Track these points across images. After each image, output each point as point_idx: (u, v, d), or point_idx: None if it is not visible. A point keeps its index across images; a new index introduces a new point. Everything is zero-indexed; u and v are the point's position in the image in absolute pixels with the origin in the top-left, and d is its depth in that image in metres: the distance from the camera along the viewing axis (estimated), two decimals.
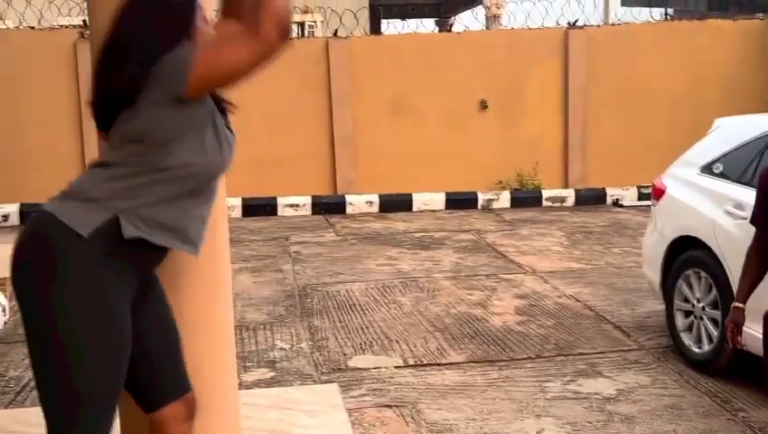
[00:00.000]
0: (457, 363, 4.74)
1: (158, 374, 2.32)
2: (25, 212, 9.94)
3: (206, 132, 2.15)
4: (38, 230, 2.09)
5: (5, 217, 9.86)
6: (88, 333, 2.05)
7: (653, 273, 5.07)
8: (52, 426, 2.10)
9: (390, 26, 13.18)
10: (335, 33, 10.92)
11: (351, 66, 10.81)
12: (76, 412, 2.07)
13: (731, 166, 4.71)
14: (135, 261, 2.15)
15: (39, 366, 2.09)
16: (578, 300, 6.06)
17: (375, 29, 15.75)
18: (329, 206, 10.53)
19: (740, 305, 3.32)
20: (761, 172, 3.40)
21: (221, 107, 2.31)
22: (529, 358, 4.81)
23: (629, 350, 4.94)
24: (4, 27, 10.60)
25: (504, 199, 10.73)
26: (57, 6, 10.41)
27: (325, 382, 4.44)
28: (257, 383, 4.47)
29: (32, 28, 10.45)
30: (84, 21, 10.13)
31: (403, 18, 16.62)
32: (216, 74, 2.04)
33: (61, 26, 10.70)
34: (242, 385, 4.20)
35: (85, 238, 2.03)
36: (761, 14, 11.56)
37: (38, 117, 10.32)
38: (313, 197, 10.58)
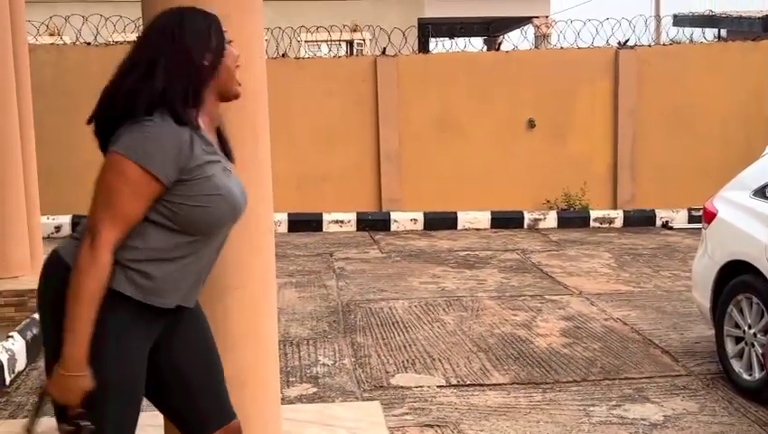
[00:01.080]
0: (501, 385, 4.69)
1: (198, 403, 2.27)
2: (77, 223, 10.17)
3: None
4: (45, 267, 2.13)
5: (58, 228, 10.09)
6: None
7: (703, 298, 4.97)
8: None
9: (439, 45, 13.21)
10: (383, 51, 10.98)
11: (399, 84, 10.85)
12: None
13: None
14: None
15: None
16: (626, 323, 5.96)
17: (423, 47, 15.82)
18: (373, 223, 10.55)
19: None
20: None
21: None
22: (575, 381, 4.74)
23: (677, 375, 4.84)
24: (62, 43, 10.88)
25: (551, 219, 10.63)
26: (113, 23, 10.66)
27: (367, 400, 4.43)
28: (300, 399, 4.48)
29: (89, 44, 10.72)
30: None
31: (452, 37, 16.66)
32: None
33: (116, 42, 10.95)
34: (285, 400, 4.22)
35: None
36: None
37: (91, 130, 10.54)
38: (358, 213, 10.61)
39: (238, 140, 2.59)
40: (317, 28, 11.40)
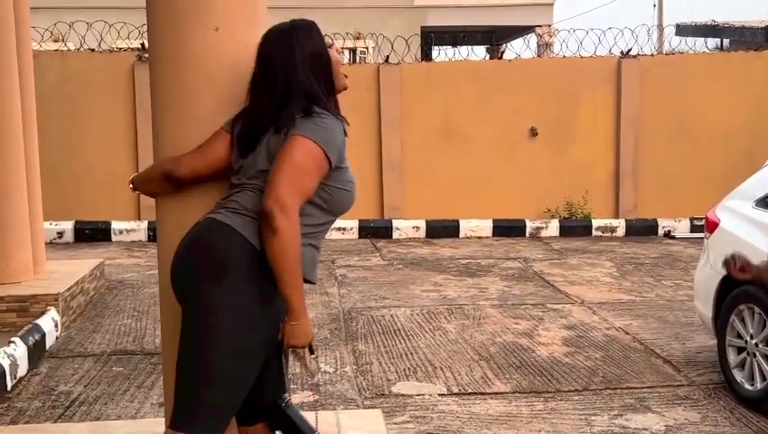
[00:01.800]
0: (502, 393, 4.69)
1: (260, 394, 2.47)
2: (80, 229, 10.17)
3: None
4: (213, 236, 2.32)
5: (60, 234, 10.09)
6: (234, 332, 2.25)
7: (705, 307, 4.97)
8: (181, 400, 2.32)
9: (441, 53, 13.23)
10: (386, 59, 11.00)
11: (402, 91, 10.87)
12: (203, 394, 2.29)
13: None
14: None
15: (185, 351, 2.31)
16: (627, 333, 5.96)
17: (426, 55, 15.84)
18: (375, 230, 10.56)
19: None
20: None
21: None
22: (576, 390, 4.74)
23: (679, 385, 4.83)
24: (66, 49, 10.91)
25: (553, 227, 10.63)
26: (117, 30, 10.69)
27: (368, 408, 4.42)
28: (301, 406, 4.47)
29: (92, 50, 10.75)
30: (142, 44, 10.38)
31: (454, 45, 16.68)
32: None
33: (120, 49, 10.98)
34: None
35: (258, 250, 2.26)
36: None
37: (95, 136, 10.58)
38: (360, 221, 10.62)
39: None
40: None
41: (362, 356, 5.39)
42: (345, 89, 2.50)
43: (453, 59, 11.56)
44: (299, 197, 2.24)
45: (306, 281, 2.34)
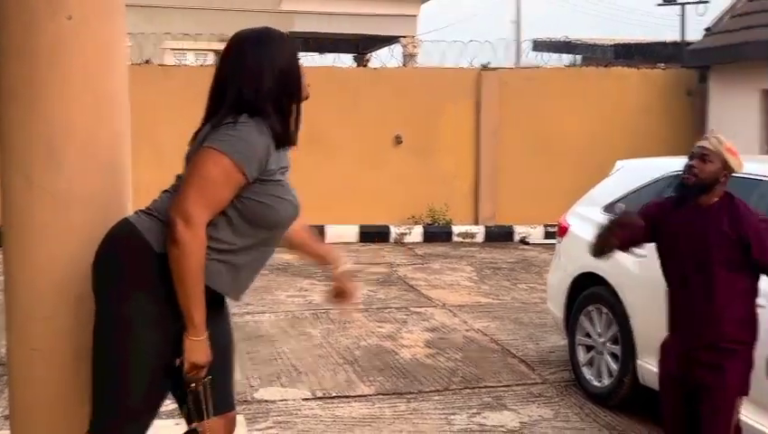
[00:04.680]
0: (366, 396, 4.73)
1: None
2: None
3: None
4: (118, 235, 2.29)
5: None
6: (121, 334, 2.23)
7: (557, 308, 5.20)
8: (97, 405, 2.31)
9: (308, 59, 13.26)
10: None
11: None
12: (114, 399, 2.29)
13: (631, 206, 4.88)
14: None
15: (94, 348, 2.29)
16: (485, 334, 6.15)
17: None
18: None
19: None
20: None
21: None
22: (437, 391, 4.85)
23: (533, 383, 5.04)
24: None
25: (416, 233, 10.84)
26: None
27: None
28: (160, 415, 4.34)
29: None
30: None
31: (321, 52, 16.74)
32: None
33: None
34: None
35: (156, 252, 2.22)
36: (662, 64, 12.13)
37: None
38: None
39: (94, 145, 2.51)
40: (183, 36, 11.17)
41: None
42: (307, 97, 2.58)
43: (319, 65, 11.59)
44: (206, 209, 2.19)
45: (223, 295, 2.37)
